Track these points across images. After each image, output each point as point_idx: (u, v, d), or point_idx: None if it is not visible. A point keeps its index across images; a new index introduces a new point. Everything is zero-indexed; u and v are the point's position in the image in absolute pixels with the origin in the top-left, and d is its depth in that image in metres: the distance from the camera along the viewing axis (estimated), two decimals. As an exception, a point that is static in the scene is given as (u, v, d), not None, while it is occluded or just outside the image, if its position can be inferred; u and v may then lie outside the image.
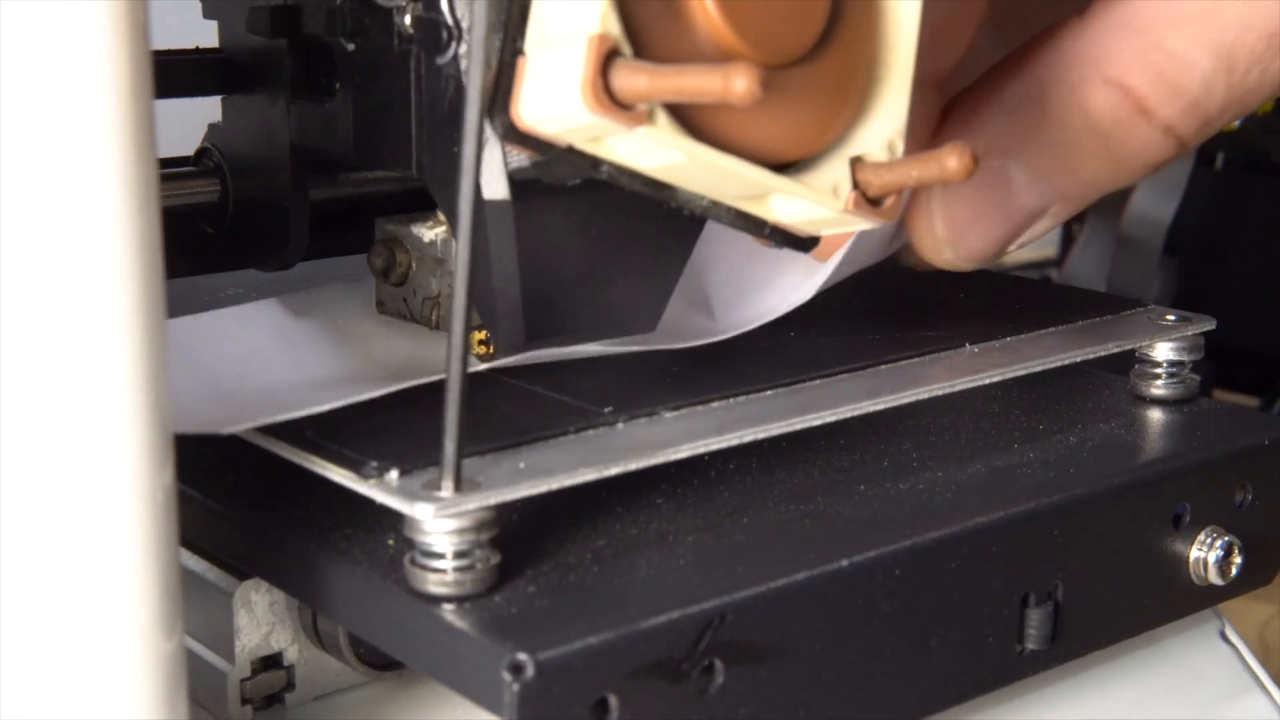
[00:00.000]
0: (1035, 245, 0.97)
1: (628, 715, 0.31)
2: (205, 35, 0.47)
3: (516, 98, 0.31)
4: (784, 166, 0.34)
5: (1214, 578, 0.42)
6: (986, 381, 0.42)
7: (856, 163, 0.34)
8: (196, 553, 0.39)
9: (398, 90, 0.37)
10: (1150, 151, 0.40)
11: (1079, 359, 0.44)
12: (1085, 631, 0.40)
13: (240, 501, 0.38)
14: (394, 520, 0.34)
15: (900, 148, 0.35)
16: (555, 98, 0.30)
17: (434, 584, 0.32)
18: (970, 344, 0.44)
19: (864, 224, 0.35)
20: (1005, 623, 0.38)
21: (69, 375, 0.27)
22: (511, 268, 0.35)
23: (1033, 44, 0.41)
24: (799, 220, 0.35)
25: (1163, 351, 0.46)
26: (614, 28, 0.30)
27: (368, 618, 0.35)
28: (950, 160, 0.33)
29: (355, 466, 0.34)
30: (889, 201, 0.35)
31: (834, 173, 0.34)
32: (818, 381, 0.40)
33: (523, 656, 0.30)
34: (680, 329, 0.43)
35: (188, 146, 0.46)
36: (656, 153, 0.31)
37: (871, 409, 0.39)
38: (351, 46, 0.38)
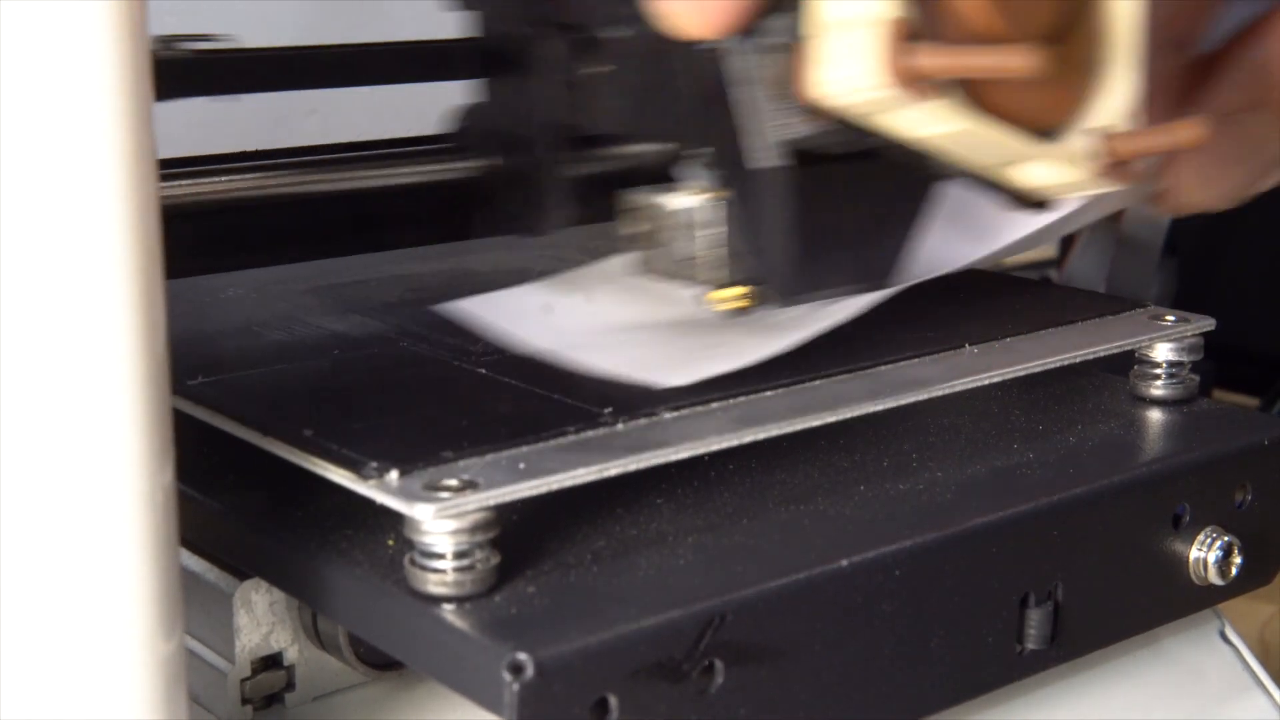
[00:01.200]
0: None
1: (628, 715, 0.31)
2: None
3: (810, 73, 0.35)
4: (1038, 137, 0.38)
5: (1214, 578, 0.42)
6: (986, 382, 0.42)
7: (1104, 131, 0.39)
8: (196, 553, 0.39)
9: (670, 71, 0.41)
10: None
11: (1078, 359, 0.44)
12: (1085, 631, 0.40)
13: (240, 501, 0.38)
14: (394, 520, 0.34)
15: (1138, 117, 0.40)
16: (849, 74, 0.34)
17: (434, 584, 0.32)
18: (970, 344, 0.44)
19: (1109, 187, 0.40)
20: (1005, 623, 0.38)
21: (69, 375, 0.27)
22: (782, 228, 0.40)
23: (1276, 10, 0.44)
24: (1046, 184, 0.39)
25: (1162, 352, 0.46)
26: (907, 12, 0.34)
27: (368, 618, 0.35)
28: (1186, 130, 0.39)
29: (355, 466, 0.34)
30: (1138, 166, 0.40)
31: (1080, 141, 0.39)
32: (818, 382, 0.40)
33: (522, 656, 0.30)
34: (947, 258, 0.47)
35: (189, 146, 0.46)
36: (931, 123, 0.36)
37: (871, 410, 0.39)
38: (620, 33, 0.42)
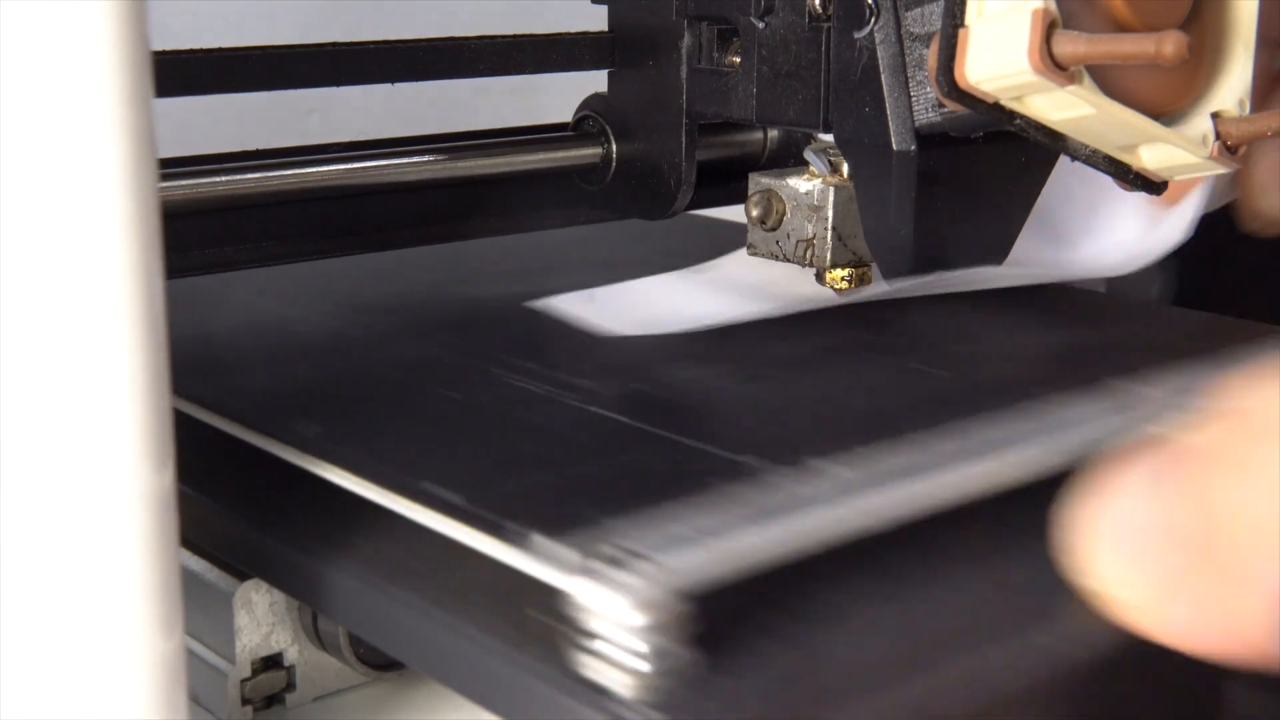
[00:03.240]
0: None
1: None
2: (206, 36, 0.47)
3: (961, 62, 0.37)
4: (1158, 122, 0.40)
5: None
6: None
7: (1218, 116, 0.41)
8: (196, 553, 0.39)
9: (807, 60, 0.44)
10: None
11: None
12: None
13: (240, 502, 0.38)
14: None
15: (1249, 104, 0.42)
16: (1001, 60, 0.37)
17: (602, 673, 0.28)
18: (1127, 381, 0.39)
19: (1221, 169, 0.42)
20: None
21: (69, 375, 0.27)
22: (908, 208, 0.42)
23: None
24: (1163, 166, 0.41)
25: None
26: (1051, 3, 0.36)
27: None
28: None
29: (510, 536, 0.30)
30: (1243, 151, 0.42)
31: (1200, 125, 0.41)
32: (977, 424, 0.36)
33: None
34: (1030, 259, 0.50)
35: (191, 146, 0.46)
36: (1068, 107, 0.38)
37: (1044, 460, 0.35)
38: (760, 24, 0.45)
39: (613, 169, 0.53)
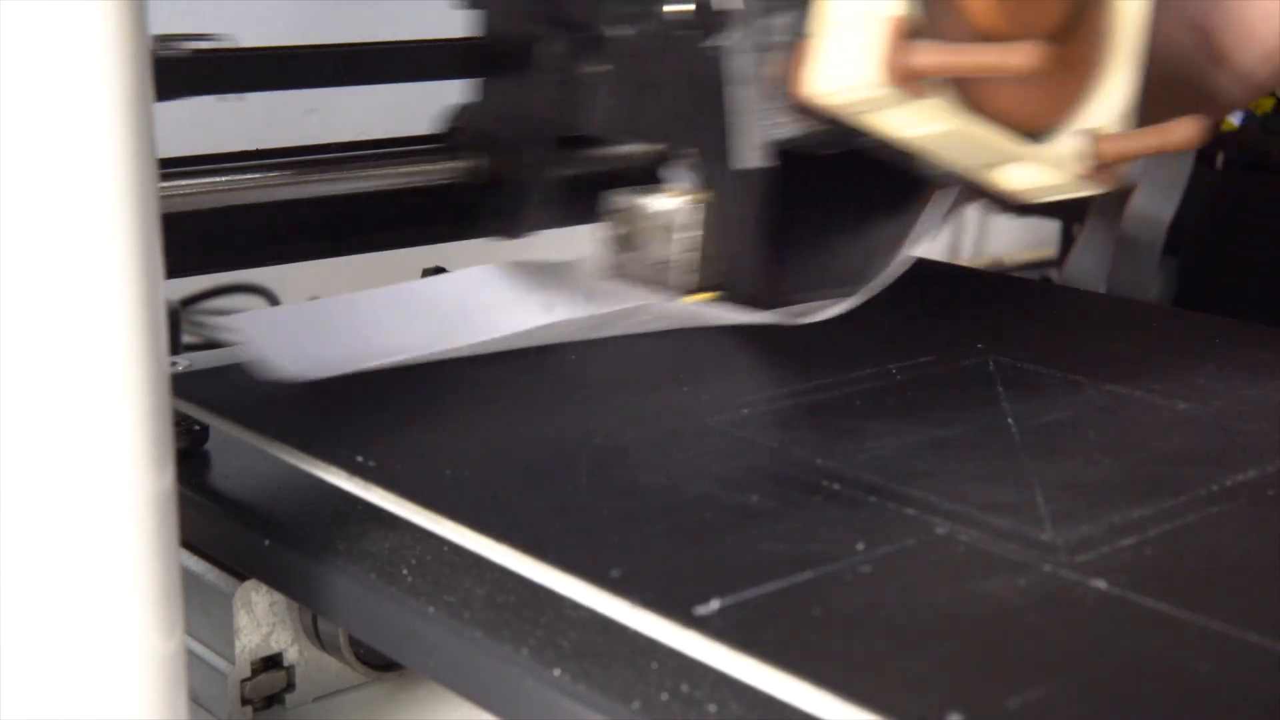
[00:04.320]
0: (1035, 245, 0.97)
1: None
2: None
3: (807, 72, 0.35)
4: (1024, 139, 0.38)
5: None
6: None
7: (1092, 134, 0.39)
8: (196, 553, 0.39)
9: (664, 71, 0.41)
10: (1226, 94, 0.42)
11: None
12: None
13: (240, 502, 0.38)
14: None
15: (1131, 120, 0.40)
16: (848, 72, 0.35)
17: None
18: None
19: (1093, 190, 0.39)
20: None
21: (69, 375, 0.27)
22: (762, 228, 0.40)
23: None
24: (1029, 186, 0.39)
25: None
26: (909, 10, 0.34)
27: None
28: (1180, 131, 0.38)
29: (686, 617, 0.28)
30: (1118, 169, 0.39)
31: (1073, 143, 0.39)
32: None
33: None
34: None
35: (186, 146, 0.46)
36: (924, 123, 0.36)
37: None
38: (616, 33, 0.43)
39: (481, 184, 0.50)
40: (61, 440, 0.27)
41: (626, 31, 0.42)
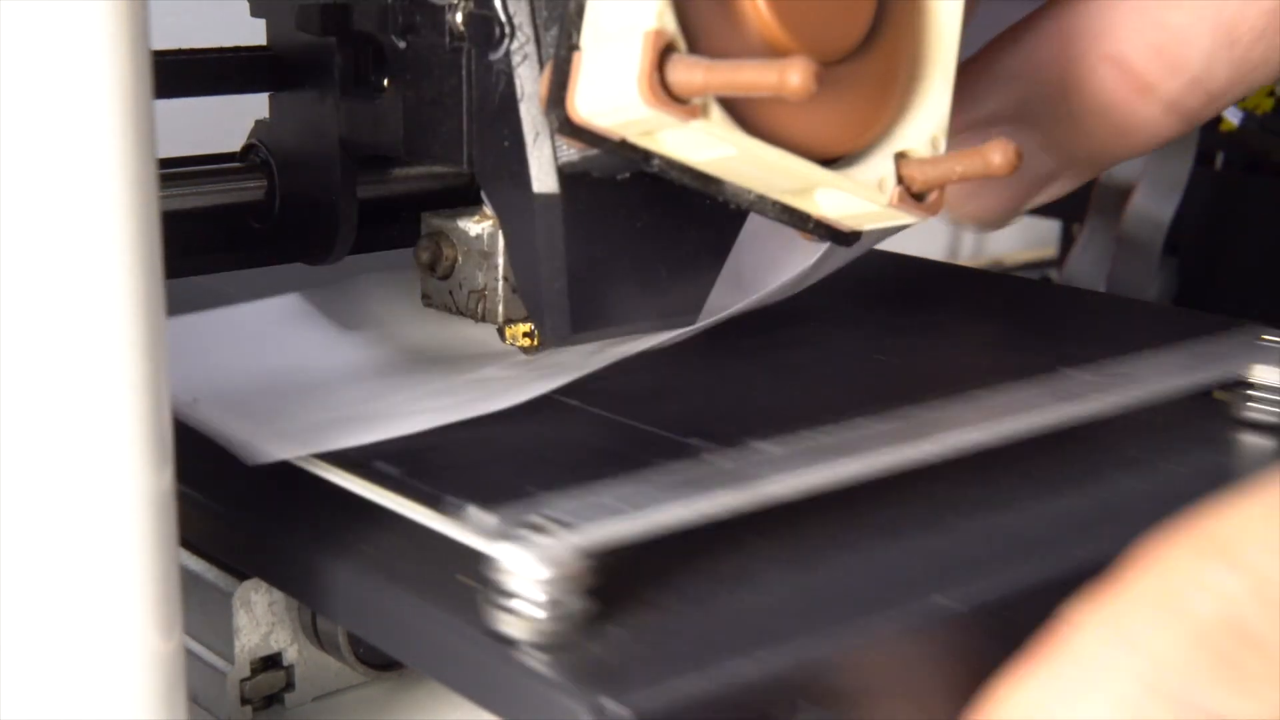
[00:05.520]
0: (1035, 245, 0.97)
1: None
2: (206, 36, 0.47)
3: (572, 91, 0.32)
4: (830, 162, 0.34)
5: None
6: (1097, 411, 0.38)
7: (901, 158, 0.35)
8: (196, 553, 0.39)
9: (448, 86, 0.38)
10: (1153, 127, 0.40)
11: (1195, 386, 0.41)
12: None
13: (240, 502, 0.38)
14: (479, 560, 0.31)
15: (943, 143, 0.36)
16: (611, 91, 0.31)
17: (518, 628, 0.30)
18: (1066, 367, 0.40)
19: (907, 218, 0.36)
20: None
21: (69, 376, 0.27)
22: (559, 260, 0.36)
23: (1035, 16, 0.41)
24: (843, 214, 0.35)
25: (1272, 375, 0.42)
26: (670, 24, 0.31)
27: (447, 662, 0.32)
28: (995, 156, 0.34)
29: (435, 503, 0.32)
30: (932, 196, 0.35)
31: (879, 168, 0.35)
32: (921, 409, 0.37)
33: (612, 703, 0.28)
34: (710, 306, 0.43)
35: (185, 147, 0.46)
36: (708, 146, 0.32)
37: (980, 441, 0.36)
38: (403, 44, 0.39)
39: (277, 206, 0.46)
40: (61, 440, 0.27)
41: (404, 41, 0.39)
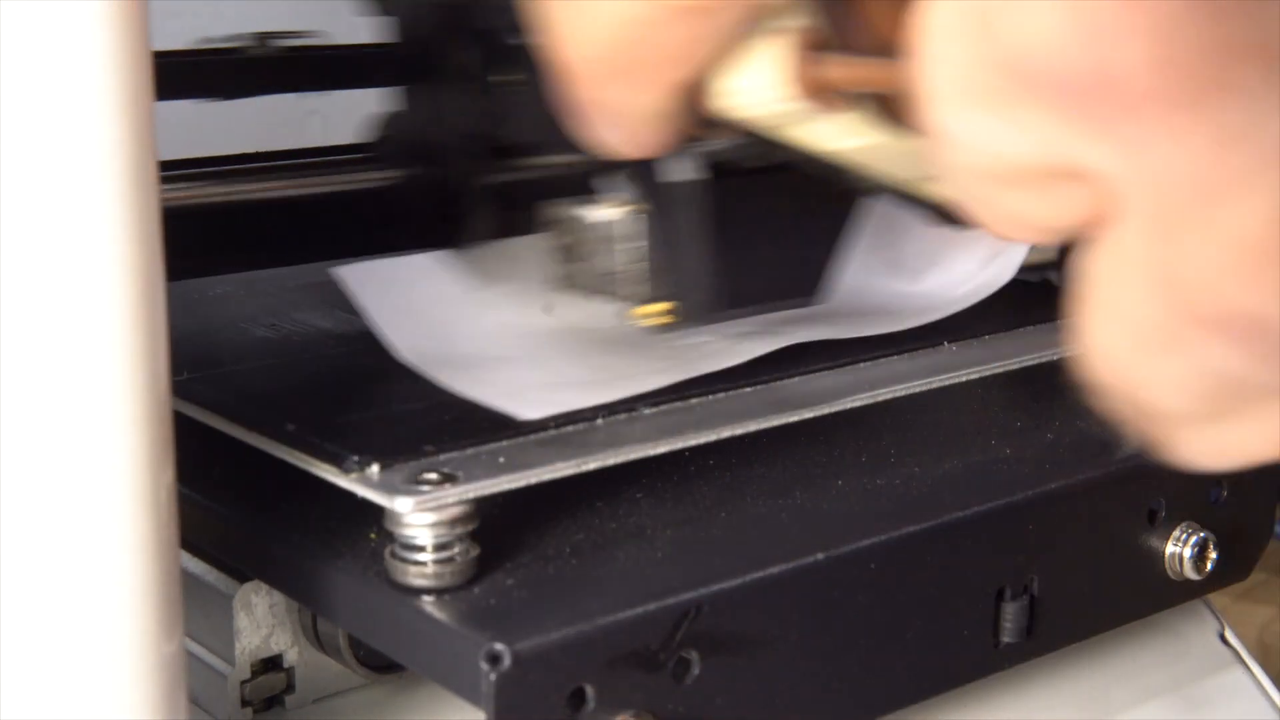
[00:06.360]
0: (1036, 248, 0.97)
1: (604, 705, 0.32)
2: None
3: (712, 85, 0.34)
4: None
5: (1190, 573, 0.43)
6: (964, 379, 0.43)
7: None
8: (196, 555, 0.39)
9: None
10: None
11: (1054, 357, 0.45)
12: (1061, 625, 0.41)
13: (239, 502, 0.38)
14: (379, 515, 0.34)
15: None
16: (759, 85, 0.33)
17: (413, 576, 0.33)
18: (949, 342, 0.44)
19: None
20: (981, 616, 0.39)
21: (69, 376, 0.27)
22: (699, 244, 0.39)
23: None
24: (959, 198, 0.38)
25: None
26: (812, 23, 0.33)
27: (355, 612, 0.35)
28: None
29: (336, 460, 0.35)
30: None
31: None
32: (796, 378, 0.41)
33: (500, 647, 0.31)
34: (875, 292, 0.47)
35: (184, 148, 0.47)
36: (841, 136, 0.35)
37: (848, 406, 0.40)
38: (530, 42, 0.41)
39: (408, 195, 0.49)
40: (61, 440, 0.27)
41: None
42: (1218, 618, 0.49)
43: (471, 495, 0.33)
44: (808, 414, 0.39)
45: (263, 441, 0.37)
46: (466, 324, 0.45)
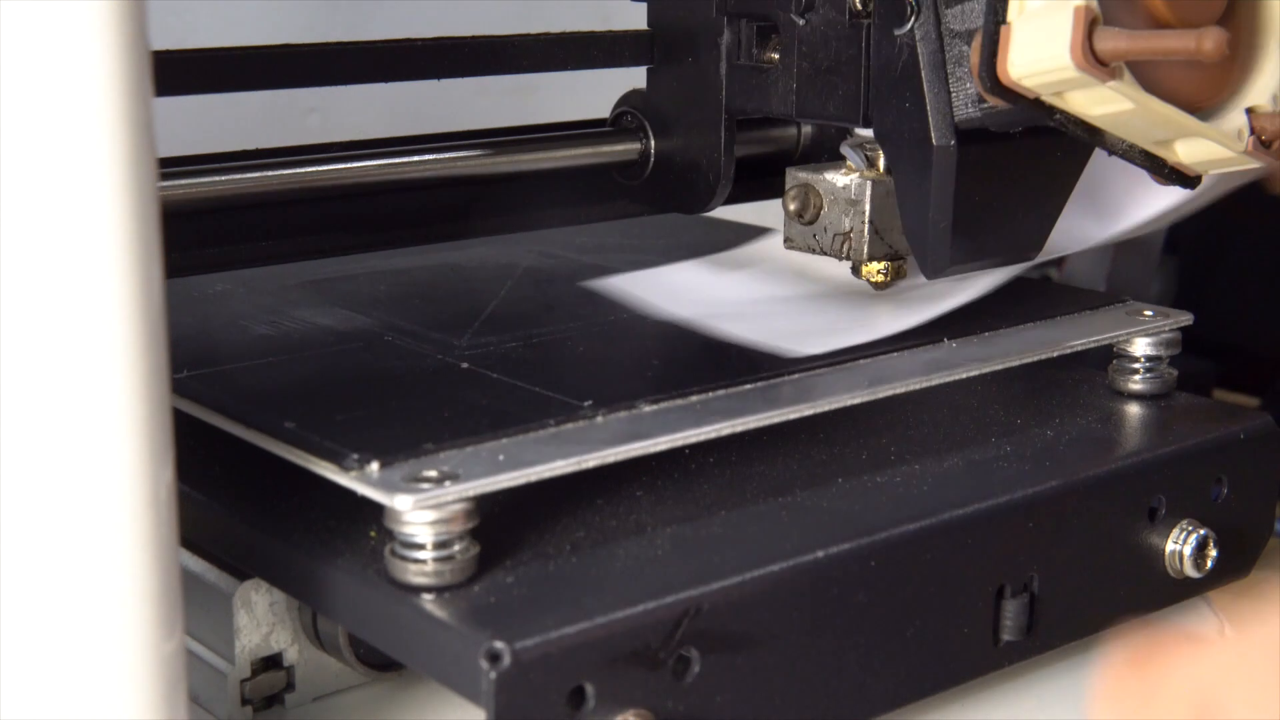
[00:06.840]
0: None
1: (604, 703, 0.32)
2: (206, 37, 0.48)
3: (1004, 58, 0.38)
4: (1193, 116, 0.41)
5: (1189, 570, 0.43)
6: (964, 376, 0.43)
7: (1251, 112, 0.42)
8: (196, 553, 0.40)
9: (847, 56, 0.45)
10: None
11: (1055, 354, 0.45)
12: (1061, 623, 0.41)
13: (239, 500, 0.39)
14: (379, 513, 0.34)
15: None
16: (1043, 57, 0.38)
17: (413, 574, 0.33)
18: (949, 339, 0.45)
19: (1255, 163, 0.42)
20: (981, 614, 0.39)
21: (69, 375, 0.27)
22: (948, 203, 0.43)
23: None
24: (1198, 160, 0.42)
25: (1140, 346, 0.47)
26: (1093, 1, 0.37)
27: (354, 610, 0.35)
28: None
29: (336, 458, 0.35)
30: (1277, 145, 0.42)
31: (1235, 120, 0.42)
32: (796, 375, 0.41)
33: (500, 645, 0.31)
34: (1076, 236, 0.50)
35: (185, 146, 0.47)
36: (1108, 102, 0.39)
37: (849, 403, 0.40)
38: (801, 20, 0.46)
39: (651, 164, 0.54)
40: (61, 440, 0.27)
41: (804, 19, 0.46)
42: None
43: (471, 493, 0.34)
44: (808, 411, 0.39)
45: (262, 439, 0.37)
46: (720, 291, 0.49)
